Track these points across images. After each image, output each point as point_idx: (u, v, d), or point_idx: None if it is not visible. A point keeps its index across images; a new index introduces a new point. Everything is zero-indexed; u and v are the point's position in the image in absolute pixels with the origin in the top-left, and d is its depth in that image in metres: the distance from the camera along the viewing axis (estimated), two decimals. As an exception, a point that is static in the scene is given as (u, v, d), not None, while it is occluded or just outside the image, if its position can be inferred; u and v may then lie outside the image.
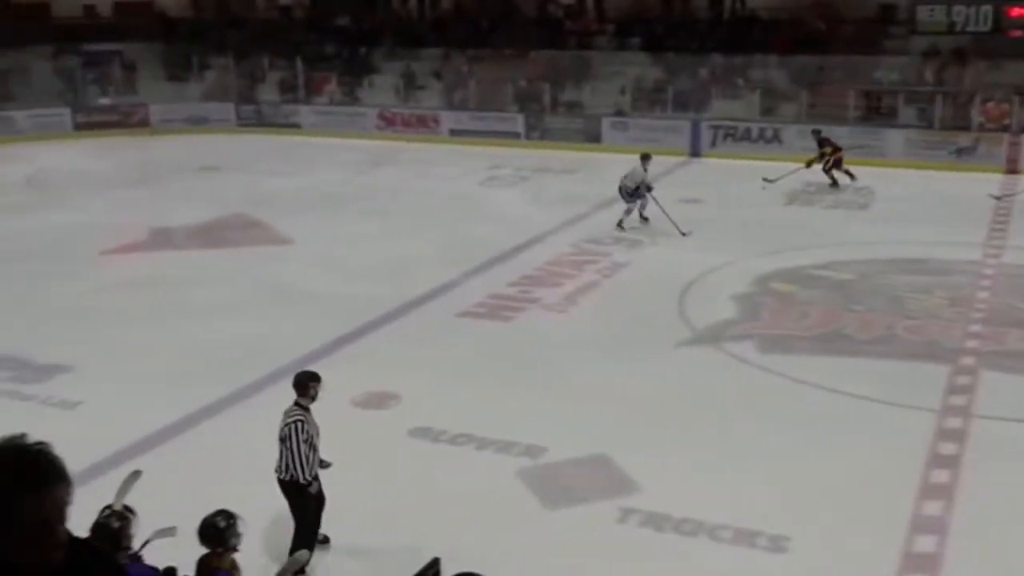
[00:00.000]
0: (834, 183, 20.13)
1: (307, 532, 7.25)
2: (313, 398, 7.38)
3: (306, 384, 7.41)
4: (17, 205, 19.51)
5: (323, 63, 29.77)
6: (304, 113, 28.31)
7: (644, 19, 28.18)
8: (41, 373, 11.24)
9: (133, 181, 21.79)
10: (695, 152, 23.77)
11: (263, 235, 17.44)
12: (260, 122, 28.31)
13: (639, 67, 26.52)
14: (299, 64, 29.10)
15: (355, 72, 29.31)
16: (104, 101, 29.09)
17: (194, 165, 23.36)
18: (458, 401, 10.34)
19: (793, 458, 9.10)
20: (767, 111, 24.58)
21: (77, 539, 2.42)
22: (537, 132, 25.59)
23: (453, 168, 22.62)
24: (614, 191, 17.40)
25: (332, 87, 29.03)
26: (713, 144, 23.95)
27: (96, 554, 2.58)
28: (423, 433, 9.63)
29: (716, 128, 24.12)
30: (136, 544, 5.61)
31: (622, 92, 26.03)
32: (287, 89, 29.25)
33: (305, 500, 7.29)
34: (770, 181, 19.73)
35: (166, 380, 10.86)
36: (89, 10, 32.90)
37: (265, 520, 7.59)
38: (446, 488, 8.62)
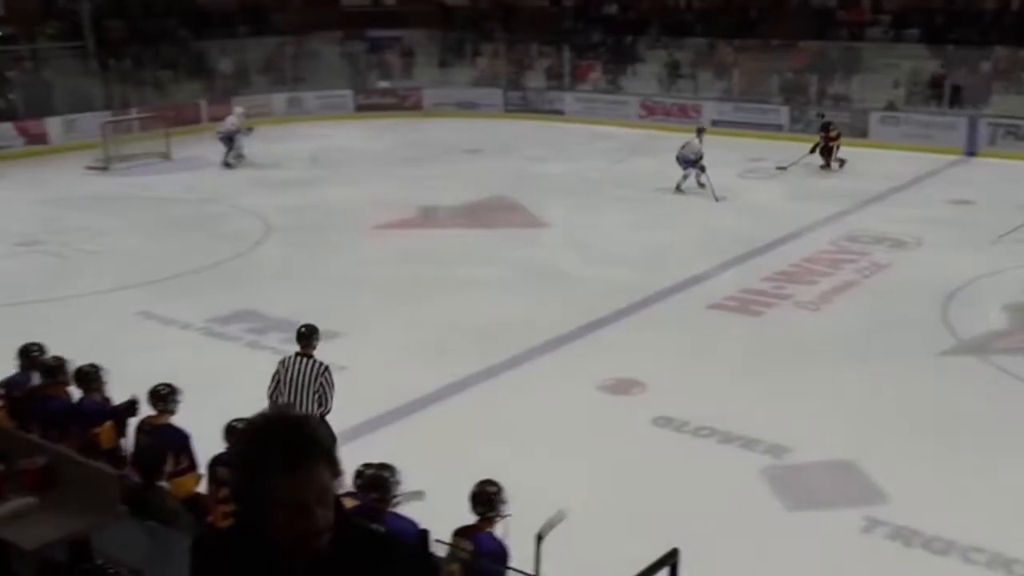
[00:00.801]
0: (827, 164, 20.97)
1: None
2: (315, 348, 8.23)
3: (310, 337, 8.28)
4: (302, 180, 21.05)
5: (589, 51, 30.21)
6: (568, 100, 28.82)
7: (923, 9, 26.76)
8: (315, 337, 12.14)
9: (405, 161, 22.99)
10: (971, 150, 22.41)
11: (522, 218, 17.98)
12: (525, 108, 29.10)
13: (915, 60, 25.26)
14: (566, 52, 29.66)
15: (619, 60, 29.55)
16: (383, 84, 30.85)
17: (461, 147, 24.35)
18: (703, 393, 10.34)
19: (1062, 484, 8.54)
20: (1057, 109, 22.83)
21: (349, 521, 2.29)
22: (801, 124, 24.84)
23: (712, 159, 22.31)
24: (879, 188, 16.81)
25: (596, 75, 29.42)
26: (992, 142, 22.49)
27: (369, 537, 2.40)
28: (666, 423, 9.72)
29: (996, 125, 22.64)
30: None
31: (895, 85, 24.88)
32: (553, 76, 29.89)
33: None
34: (783, 168, 20.70)
35: (425, 352, 11.48)
36: (376, -2, 34.91)
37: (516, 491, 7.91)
38: (687, 479, 8.66)
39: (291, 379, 8.13)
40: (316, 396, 8.08)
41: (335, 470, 2.18)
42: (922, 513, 8.01)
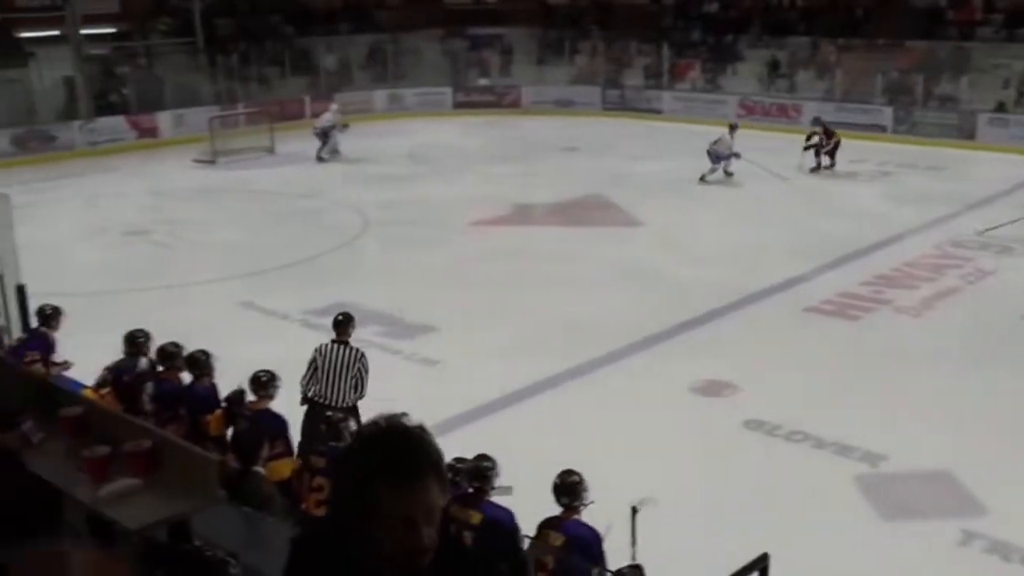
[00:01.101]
0: (818, 167, 20.71)
1: None
2: (350, 335, 8.52)
3: (346, 324, 8.56)
4: (400, 176, 21.35)
5: (689, 49, 29.97)
6: (666, 99, 28.63)
7: (1040, 8, 25.88)
8: (410, 331, 12.33)
9: (502, 158, 23.12)
10: (1085, 154, 21.65)
11: (616, 216, 17.95)
12: (623, 106, 28.99)
13: (1027, 60, 24.46)
14: (665, 50, 29.47)
15: (719, 59, 29.24)
16: (483, 82, 31.07)
17: (558, 146, 24.38)
18: (797, 397, 10.21)
19: None
20: None
21: (451, 539, 2.20)
22: (905, 126, 24.30)
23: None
24: (986, 192, 16.37)
25: (695, 74, 29.15)
26: (1109, 146, 21.69)
27: (467, 558, 2.29)
28: (758, 426, 9.62)
29: (1114, 129, 21.82)
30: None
31: (1005, 86, 24.10)
32: (651, 75, 29.72)
33: (359, 415, 8.11)
34: (779, 176, 20.29)
35: (517, 348, 11.56)
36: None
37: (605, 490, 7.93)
38: (778, 484, 8.56)
39: (328, 366, 8.37)
40: (353, 382, 8.34)
41: (444, 486, 2.07)
42: (1022, 527, 7.79)
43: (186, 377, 7.78)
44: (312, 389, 8.46)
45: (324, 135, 22.84)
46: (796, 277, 14.03)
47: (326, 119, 23.06)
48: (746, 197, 18.94)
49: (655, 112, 28.29)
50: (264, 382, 7.39)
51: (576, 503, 5.84)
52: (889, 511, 8.22)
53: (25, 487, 2.79)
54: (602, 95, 29.53)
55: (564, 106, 29.31)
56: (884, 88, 25.78)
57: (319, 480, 6.51)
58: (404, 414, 2.06)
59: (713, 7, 31.36)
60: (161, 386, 7.61)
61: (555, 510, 5.89)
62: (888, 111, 24.85)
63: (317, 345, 8.66)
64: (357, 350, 8.50)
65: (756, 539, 6.07)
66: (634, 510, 5.83)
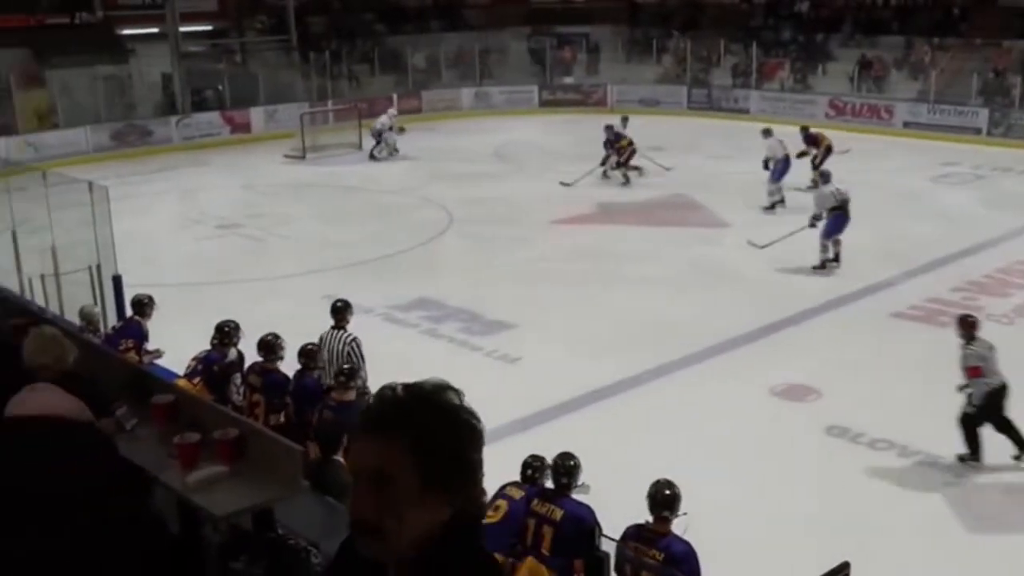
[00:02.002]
0: (626, 180, 20.25)
1: None
2: (348, 321, 8.62)
3: (343, 311, 8.74)
4: (485, 173, 21.49)
5: (778, 49, 29.56)
6: (753, 98, 28.30)
7: None
8: (489, 327, 12.42)
9: (586, 156, 23.03)
10: None
11: (701, 217, 17.81)
12: (710, 106, 28.74)
13: None
14: (754, 49, 29.11)
15: (809, 59, 28.79)
16: (568, 80, 31.08)
17: (642, 145, 24.16)
18: (882, 404, 10.02)
19: None
20: None
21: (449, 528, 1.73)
22: (1001, 128, 23.63)
23: (902, 162, 21.59)
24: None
25: (784, 73, 28.75)
26: None
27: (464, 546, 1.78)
28: (841, 432, 9.48)
29: None
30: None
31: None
32: (739, 74, 29.40)
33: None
34: (567, 184, 20.11)
35: (596, 346, 11.56)
36: (565, -5, 35.25)
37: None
38: (862, 493, 8.44)
39: (328, 351, 8.51)
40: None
41: (426, 469, 1.65)
42: (1115, 545, 7.57)
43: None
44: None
45: (379, 135, 23.17)
46: (883, 281, 13.78)
47: (382, 121, 23.47)
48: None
49: (742, 112, 27.95)
50: (348, 374, 7.55)
51: (673, 516, 5.81)
52: (976, 523, 8.05)
53: (117, 470, 2.91)
54: (688, 94, 29.31)
55: (650, 105, 29.15)
56: (980, 89, 25.10)
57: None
58: (457, 390, 1.75)
59: (804, 6, 30.92)
60: (268, 377, 7.81)
61: (632, 507, 5.88)
62: (984, 113, 24.20)
63: (321, 333, 8.77)
64: (349, 335, 8.64)
65: (837, 548, 6.00)
66: None
